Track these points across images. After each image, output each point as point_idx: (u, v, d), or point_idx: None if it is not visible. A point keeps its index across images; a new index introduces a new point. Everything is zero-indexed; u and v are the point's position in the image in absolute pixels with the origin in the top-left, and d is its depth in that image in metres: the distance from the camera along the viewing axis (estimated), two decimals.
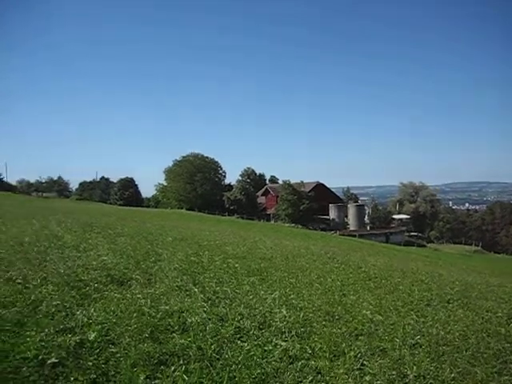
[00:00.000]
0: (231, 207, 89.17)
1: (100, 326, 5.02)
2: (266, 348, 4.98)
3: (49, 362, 4.14)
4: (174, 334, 5.10)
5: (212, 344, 4.90)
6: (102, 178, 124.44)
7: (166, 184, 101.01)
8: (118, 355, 4.44)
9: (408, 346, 5.70)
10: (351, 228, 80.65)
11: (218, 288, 7.44)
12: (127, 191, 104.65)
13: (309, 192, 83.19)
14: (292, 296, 7.54)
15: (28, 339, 4.55)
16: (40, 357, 4.19)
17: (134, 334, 4.91)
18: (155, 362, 4.37)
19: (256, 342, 5.11)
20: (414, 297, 9.01)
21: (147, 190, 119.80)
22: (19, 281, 6.63)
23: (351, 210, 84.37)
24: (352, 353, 5.22)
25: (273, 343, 5.12)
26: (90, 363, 4.22)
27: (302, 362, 4.83)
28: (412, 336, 6.12)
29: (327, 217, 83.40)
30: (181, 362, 4.42)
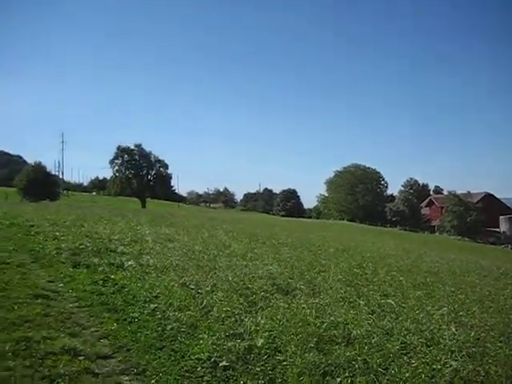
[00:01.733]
0: (393, 218, 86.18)
1: (267, 334, 5.10)
2: (434, 366, 4.57)
3: (220, 364, 4.31)
4: (339, 346, 4.96)
5: (378, 358, 4.66)
6: (265, 189, 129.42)
7: (327, 195, 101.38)
8: (285, 363, 4.44)
9: None
10: None
11: (382, 301, 7.12)
12: (289, 202, 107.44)
13: (476, 203, 76.85)
14: (461, 313, 6.90)
15: (201, 342, 4.81)
16: (212, 359, 4.39)
17: (299, 344, 4.88)
18: (321, 372, 4.28)
19: (424, 360, 4.73)
20: None
21: (308, 201, 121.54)
22: (192, 286, 7.09)
23: None
24: None
25: (442, 362, 4.69)
26: (258, 369, 4.30)
27: None
28: None
29: (497, 229, 75.86)
30: (346, 374, 4.27)
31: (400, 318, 6.19)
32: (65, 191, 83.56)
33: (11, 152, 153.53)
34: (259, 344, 4.81)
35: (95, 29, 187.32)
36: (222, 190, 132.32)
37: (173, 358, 4.46)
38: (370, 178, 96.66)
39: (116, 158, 75.27)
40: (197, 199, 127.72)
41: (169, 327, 5.27)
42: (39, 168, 58.05)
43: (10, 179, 74.31)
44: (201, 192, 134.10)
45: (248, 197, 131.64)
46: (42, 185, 54.86)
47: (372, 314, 6.23)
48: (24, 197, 54.37)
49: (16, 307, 5.72)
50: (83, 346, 4.61)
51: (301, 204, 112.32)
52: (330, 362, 4.50)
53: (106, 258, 9.13)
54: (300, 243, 16.15)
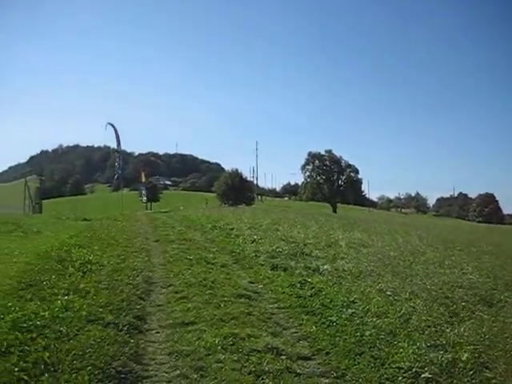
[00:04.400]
0: None
1: (472, 347, 4.67)
2: None
3: (423, 375, 4.07)
4: None
5: None
6: (460, 193, 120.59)
7: None
8: (494, 381, 4.02)
9: None
10: None
11: None
12: (487, 208, 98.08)
13: None
14: None
15: (401, 350, 4.61)
16: (414, 369, 4.18)
17: (510, 362, 4.38)
18: None
19: None
20: None
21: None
22: (389, 293, 6.87)
23: None
24: None
25: None
26: None
27: None
28: None
29: None
30: None
31: None
32: (259, 196, 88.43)
33: (210, 160, 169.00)
34: (464, 358, 4.42)
35: None
36: (413, 194, 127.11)
37: (372, 365, 4.35)
38: None
39: (307, 163, 77.49)
40: (387, 204, 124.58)
41: (367, 333, 5.17)
42: (236, 174, 62.42)
43: (209, 185, 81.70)
44: (392, 197, 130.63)
45: (441, 201, 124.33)
46: (239, 190, 58.96)
47: None
48: (222, 201, 59.12)
49: (222, 305, 6.22)
50: (284, 345, 4.79)
51: (500, 209, 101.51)
52: None
53: (301, 262, 9.39)
54: (501, 251, 14.55)
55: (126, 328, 5.12)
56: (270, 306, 6.47)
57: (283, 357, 4.48)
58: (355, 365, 4.38)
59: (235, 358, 4.35)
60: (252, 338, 4.92)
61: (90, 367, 3.96)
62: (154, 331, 5.26)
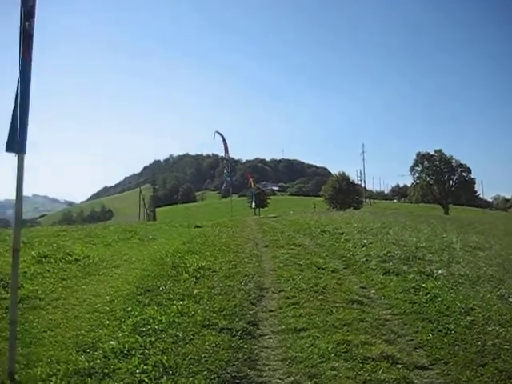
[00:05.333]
0: None
1: None
2: None
3: None
4: None
5: None
6: None
7: None
8: None
9: None
10: None
11: None
12: None
13: None
14: None
15: None
16: None
17: None
18: None
19: None
20: None
21: None
22: (511, 299, 6.44)
23: None
24: None
25: None
26: None
27: None
28: None
29: None
30: None
31: None
32: (367, 199, 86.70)
33: (317, 164, 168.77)
34: None
35: None
36: None
37: (497, 378, 4.08)
38: None
39: (416, 164, 74.84)
40: (504, 204, 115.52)
41: (489, 343, 4.86)
42: (343, 178, 61.87)
43: (317, 190, 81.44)
44: (508, 196, 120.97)
45: None
46: (346, 194, 58.33)
47: None
48: (330, 205, 58.70)
49: (334, 311, 6.19)
50: (400, 354, 4.65)
51: None
52: None
53: (414, 266, 9.05)
54: None
55: (239, 333, 5.27)
56: (384, 312, 6.33)
57: (399, 365, 4.36)
58: (477, 377, 4.14)
59: (349, 366, 4.32)
60: (366, 346, 4.84)
61: (205, 372, 4.14)
62: (266, 337, 5.37)
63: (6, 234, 13.89)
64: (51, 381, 3.90)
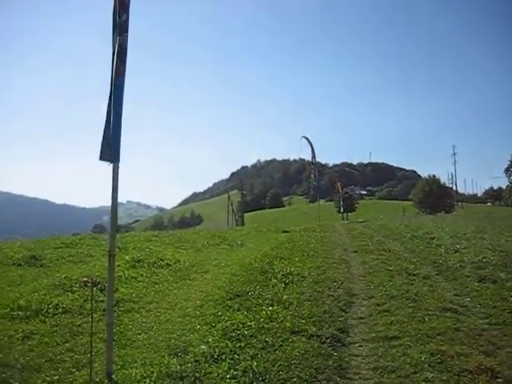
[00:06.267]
0: None
1: None
2: None
3: None
4: None
5: None
6: None
7: None
8: None
9: None
10: None
11: None
12: None
13: None
14: None
15: None
16: None
17: None
18: None
19: None
20: None
21: None
22: None
23: None
24: None
25: None
26: None
27: None
28: None
29: None
30: None
31: None
32: (458, 203, 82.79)
33: (405, 167, 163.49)
34: None
35: None
36: None
37: None
38: None
39: (511, 166, 70.49)
40: None
41: None
42: (433, 181, 59.50)
43: (406, 193, 78.84)
44: None
45: None
46: (437, 197, 56.01)
47: None
48: (420, 209, 56.61)
49: (427, 319, 6.01)
50: (500, 367, 4.40)
51: None
52: None
53: None
54: None
55: (329, 340, 5.27)
56: (480, 321, 6.02)
57: (499, 380, 4.14)
58: None
59: (444, 378, 4.17)
60: (462, 357, 4.65)
61: (295, 379, 4.18)
62: (356, 344, 5.32)
63: (102, 238, 14.83)
64: (145, 382, 4.14)
